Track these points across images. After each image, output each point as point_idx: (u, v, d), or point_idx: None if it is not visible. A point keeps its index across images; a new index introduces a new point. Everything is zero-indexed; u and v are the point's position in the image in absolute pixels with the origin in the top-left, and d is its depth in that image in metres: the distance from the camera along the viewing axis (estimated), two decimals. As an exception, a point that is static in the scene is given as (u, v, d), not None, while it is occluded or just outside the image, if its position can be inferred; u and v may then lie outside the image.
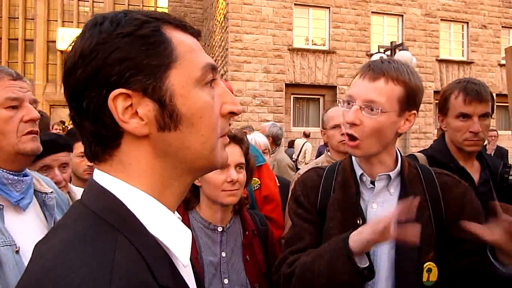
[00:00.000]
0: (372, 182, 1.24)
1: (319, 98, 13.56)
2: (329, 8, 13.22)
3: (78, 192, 1.84)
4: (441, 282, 1.16)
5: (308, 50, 13.06)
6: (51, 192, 1.30)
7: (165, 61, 0.57)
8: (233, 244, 1.49)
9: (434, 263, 1.14)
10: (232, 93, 0.88)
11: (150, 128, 0.57)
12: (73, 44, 0.58)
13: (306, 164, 7.44)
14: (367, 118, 1.15)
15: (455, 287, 1.18)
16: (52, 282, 0.47)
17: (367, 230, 1.04)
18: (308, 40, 13.33)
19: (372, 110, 1.14)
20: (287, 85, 12.82)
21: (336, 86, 13.10)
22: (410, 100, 1.18)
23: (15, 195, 1.15)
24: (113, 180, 0.58)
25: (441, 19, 14.28)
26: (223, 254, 1.46)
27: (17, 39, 23.12)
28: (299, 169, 3.09)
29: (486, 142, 7.25)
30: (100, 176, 0.59)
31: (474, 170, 1.72)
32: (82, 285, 0.46)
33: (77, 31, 0.60)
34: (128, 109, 0.56)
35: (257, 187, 2.29)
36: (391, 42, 10.96)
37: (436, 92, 13.30)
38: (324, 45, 13.38)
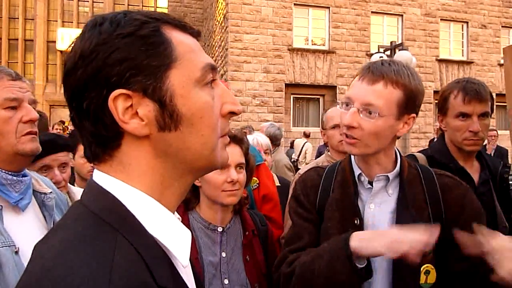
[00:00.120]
0: (370, 183, 1.24)
1: (319, 98, 13.56)
2: (329, 8, 13.23)
3: (77, 192, 1.84)
4: (440, 284, 1.14)
5: (308, 50, 13.06)
6: (50, 193, 1.30)
7: (165, 61, 0.57)
8: (233, 244, 1.49)
9: (432, 265, 1.12)
10: None
11: (150, 128, 0.57)
12: (72, 45, 0.58)
13: (306, 164, 7.44)
14: (365, 121, 1.14)
15: None
16: (52, 282, 0.47)
17: (381, 242, 1.00)
18: (308, 40, 13.33)
19: (370, 113, 1.13)
20: (287, 85, 12.82)
21: (336, 86, 13.11)
22: (410, 104, 1.16)
23: (14, 196, 1.15)
24: (113, 180, 0.58)
25: (441, 19, 14.28)
26: (223, 254, 1.46)
27: (17, 39, 23.12)
28: (299, 169, 3.09)
29: (486, 142, 7.26)
30: (100, 177, 0.60)
31: (474, 170, 1.72)
32: (82, 285, 0.46)
33: (77, 31, 0.60)
34: (129, 109, 0.56)
35: (256, 186, 2.29)
36: (391, 42, 10.97)
37: (436, 92, 13.30)
38: (324, 45, 13.39)
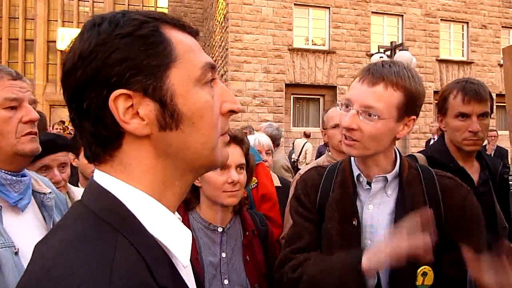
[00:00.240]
0: (369, 183, 1.23)
1: (319, 98, 13.56)
2: (329, 8, 13.23)
3: (77, 192, 1.84)
4: (438, 286, 1.13)
5: (308, 50, 13.06)
6: (50, 193, 1.29)
7: (165, 61, 0.57)
8: (233, 244, 1.49)
9: (430, 267, 1.11)
10: None
11: (151, 128, 0.57)
12: (71, 45, 0.58)
13: (306, 164, 7.44)
14: (365, 123, 1.13)
15: None
16: (52, 282, 0.47)
17: (385, 252, 1.02)
18: (308, 40, 13.33)
19: (369, 115, 1.13)
20: (287, 85, 12.82)
21: (336, 86, 13.11)
22: (410, 106, 1.15)
23: (14, 196, 1.15)
24: (113, 180, 0.58)
25: (441, 19, 14.28)
26: (223, 255, 1.45)
27: (17, 39, 23.13)
28: (299, 169, 3.08)
29: (486, 142, 7.26)
30: (100, 177, 0.60)
31: (473, 170, 1.72)
32: (82, 285, 0.46)
33: (77, 31, 0.60)
34: (129, 109, 0.56)
35: (254, 186, 2.29)
36: (391, 42, 10.97)
37: (436, 92, 13.29)
38: (324, 45, 13.39)
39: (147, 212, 0.58)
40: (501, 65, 13.96)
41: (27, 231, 1.16)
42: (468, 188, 1.25)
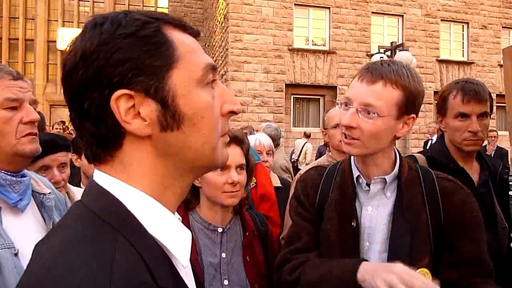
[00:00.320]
0: (368, 185, 1.23)
1: (319, 99, 13.56)
2: (329, 8, 13.23)
3: (77, 192, 1.84)
4: None
5: (308, 50, 13.06)
6: (49, 193, 1.29)
7: (167, 61, 0.57)
8: (233, 245, 1.49)
9: (428, 269, 1.09)
10: None
11: (152, 128, 0.57)
12: (72, 45, 0.58)
13: (306, 164, 7.44)
14: (364, 121, 1.13)
15: None
16: (52, 282, 0.47)
17: (383, 277, 0.98)
18: (308, 40, 13.33)
19: (369, 113, 1.12)
20: (287, 85, 12.82)
21: (336, 87, 13.10)
22: (409, 104, 1.15)
23: (14, 196, 1.14)
24: (113, 181, 0.58)
25: (441, 20, 14.29)
26: (223, 255, 1.45)
27: (18, 39, 23.14)
28: (299, 169, 3.08)
29: (486, 143, 7.25)
30: (101, 177, 0.60)
31: (473, 170, 1.72)
32: (82, 285, 0.46)
33: (78, 31, 0.60)
34: (131, 109, 0.56)
35: (253, 186, 2.29)
36: (391, 43, 10.98)
37: (436, 93, 13.28)
38: (324, 45, 13.39)
39: (147, 212, 0.58)
40: (501, 66, 13.96)
41: (27, 232, 1.16)
42: (468, 191, 1.24)
